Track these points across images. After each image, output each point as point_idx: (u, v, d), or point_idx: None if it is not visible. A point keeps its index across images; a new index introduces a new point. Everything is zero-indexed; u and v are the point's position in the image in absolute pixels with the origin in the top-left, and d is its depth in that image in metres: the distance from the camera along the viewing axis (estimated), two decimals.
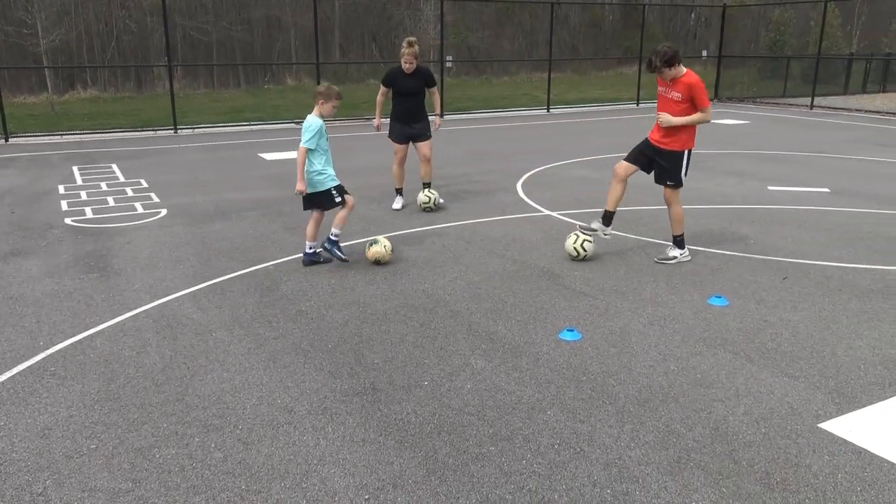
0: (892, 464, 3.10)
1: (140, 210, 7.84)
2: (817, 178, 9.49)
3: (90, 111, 18.35)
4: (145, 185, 9.20)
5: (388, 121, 7.75)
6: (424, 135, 7.68)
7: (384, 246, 5.81)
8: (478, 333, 4.51)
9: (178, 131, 14.73)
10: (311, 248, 5.87)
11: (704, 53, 25.77)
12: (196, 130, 14.97)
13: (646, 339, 4.41)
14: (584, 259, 5.91)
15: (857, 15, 30.71)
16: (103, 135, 14.33)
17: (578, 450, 3.22)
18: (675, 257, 5.87)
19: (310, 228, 5.85)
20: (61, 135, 14.13)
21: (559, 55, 29.55)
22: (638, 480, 3.00)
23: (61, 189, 8.94)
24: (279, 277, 5.58)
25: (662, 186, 5.90)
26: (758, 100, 21.16)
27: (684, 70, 5.57)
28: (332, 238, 5.76)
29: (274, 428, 3.42)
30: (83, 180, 9.52)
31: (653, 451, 3.21)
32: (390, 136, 7.72)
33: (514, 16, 31.56)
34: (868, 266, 5.78)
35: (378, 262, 5.80)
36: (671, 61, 5.48)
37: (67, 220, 7.37)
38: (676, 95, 5.58)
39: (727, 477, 3.02)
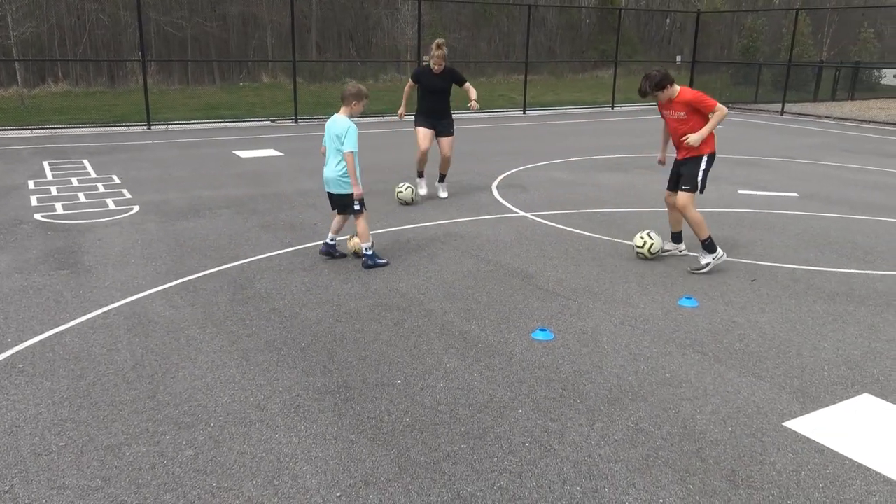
0: (854, 461, 3.18)
1: (112, 206, 7.76)
2: (787, 182, 9.66)
3: (61, 105, 18.08)
4: (117, 181, 9.10)
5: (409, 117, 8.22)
6: (448, 130, 8.02)
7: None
8: (451, 333, 4.53)
9: (152, 127, 14.57)
10: (331, 240, 5.97)
11: (679, 58, 26.05)
12: (170, 127, 14.82)
13: (617, 339, 4.47)
14: (654, 251, 6.00)
15: (827, 24, 31.28)
16: (75, 129, 14.12)
17: (549, 448, 3.26)
18: (708, 264, 5.71)
19: (335, 222, 5.97)
20: (31, 129, 13.91)
21: (536, 57, 29.72)
22: (607, 478, 3.05)
23: (31, 184, 8.81)
24: (253, 275, 5.56)
25: (676, 194, 5.76)
26: (730, 105, 21.42)
27: (678, 88, 5.51)
28: (367, 252, 5.74)
29: (246, 426, 3.42)
30: (54, 175, 9.39)
31: (622, 449, 3.25)
32: (416, 124, 7.99)
33: (492, 17, 31.66)
34: (834, 269, 5.90)
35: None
36: (662, 84, 5.43)
37: (37, 216, 7.27)
38: (680, 115, 5.53)
39: (694, 474, 3.08)
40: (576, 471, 3.09)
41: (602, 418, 3.52)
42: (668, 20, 37.69)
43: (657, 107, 5.70)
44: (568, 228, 7.01)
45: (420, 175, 8.28)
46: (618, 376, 3.96)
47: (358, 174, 5.67)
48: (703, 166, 5.61)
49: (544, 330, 4.53)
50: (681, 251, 6.16)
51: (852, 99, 24.34)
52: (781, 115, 19.31)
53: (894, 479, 3.06)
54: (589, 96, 23.11)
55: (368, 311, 4.88)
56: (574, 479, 3.04)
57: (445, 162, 8.19)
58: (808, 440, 3.35)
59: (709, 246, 5.71)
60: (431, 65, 7.70)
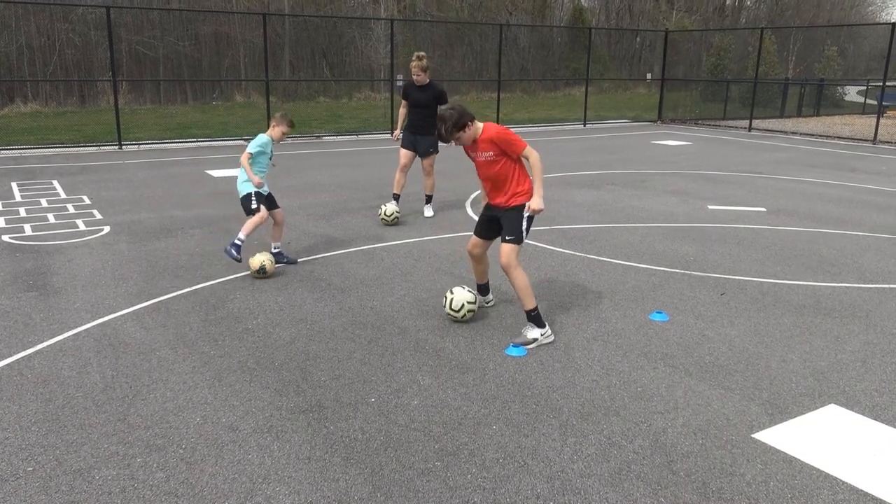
0: (821, 471, 3.24)
1: (82, 227, 7.67)
2: (755, 197, 9.83)
3: (31, 126, 17.87)
4: (88, 201, 9.01)
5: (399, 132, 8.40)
6: (428, 151, 8.18)
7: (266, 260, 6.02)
8: (425, 350, 4.54)
9: (123, 147, 14.46)
10: (275, 248, 6.38)
11: (649, 76, 26.47)
12: (141, 146, 14.71)
13: (589, 353, 4.51)
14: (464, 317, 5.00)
15: (792, 42, 31.99)
16: (44, 150, 13.96)
17: (522, 463, 3.28)
18: (535, 339, 4.63)
19: (272, 229, 6.37)
20: None
21: (508, 76, 29.98)
22: (580, 492, 3.07)
23: None
24: (225, 295, 5.52)
25: (486, 242, 5.01)
26: (699, 121, 21.81)
27: (481, 126, 4.59)
28: (237, 241, 6.00)
29: (218, 447, 3.39)
30: (22, 196, 9.27)
31: (594, 464, 3.28)
32: (401, 144, 8.23)
33: (464, 36, 31.94)
34: (801, 282, 6.01)
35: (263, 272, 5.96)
36: (460, 124, 4.50)
37: (5, 238, 7.17)
38: (488, 155, 4.59)
39: (665, 487, 3.11)
40: (549, 486, 3.11)
41: (575, 433, 3.54)
42: (637, 39, 38.30)
43: (463, 149, 4.73)
44: (541, 245, 7.07)
45: (395, 198, 8.22)
46: (590, 391, 4.00)
47: (255, 172, 6.02)
48: (525, 214, 4.66)
49: (517, 346, 4.55)
50: (487, 302, 5.34)
51: (817, 115, 24.87)
52: (749, 130, 19.66)
53: (861, 488, 3.12)
54: (561, 114, 23.35)
55: (342, 329, 4.87)
56: (547, 494, 3.05)
57: (428, 178, 8.27)
58: (777, 451, 3.40)
59: (536, 318, 4.65)
60: (413, 77, 7.92)
